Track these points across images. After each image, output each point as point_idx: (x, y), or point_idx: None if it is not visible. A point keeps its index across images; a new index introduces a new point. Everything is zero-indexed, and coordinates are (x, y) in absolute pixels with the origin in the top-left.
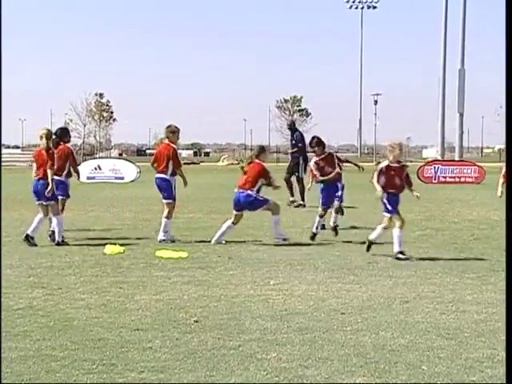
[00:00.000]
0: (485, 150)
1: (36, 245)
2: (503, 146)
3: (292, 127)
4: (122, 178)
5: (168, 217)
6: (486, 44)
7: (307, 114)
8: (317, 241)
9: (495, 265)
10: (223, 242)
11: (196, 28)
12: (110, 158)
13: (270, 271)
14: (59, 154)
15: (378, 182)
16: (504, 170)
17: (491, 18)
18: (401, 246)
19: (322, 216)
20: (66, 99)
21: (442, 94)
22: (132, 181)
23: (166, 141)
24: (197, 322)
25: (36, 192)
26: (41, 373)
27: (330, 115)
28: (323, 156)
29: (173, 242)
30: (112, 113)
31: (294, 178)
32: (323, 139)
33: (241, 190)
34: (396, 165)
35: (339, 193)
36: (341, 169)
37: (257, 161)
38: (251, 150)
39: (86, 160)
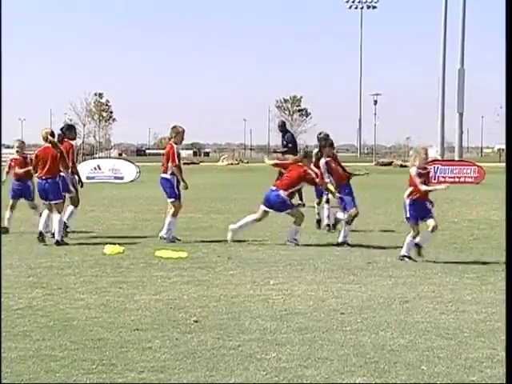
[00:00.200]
0: (484, 150)
1: (67, 243)
2: (503, 146)
3: (282, 128)
4: (122, 178)
5: (173, 215)
6: (485, 44)
7: (307, 114)
8: (316, 241)
9: (495, 265)
10: (229, 239)
11: (196, 28)
12: (110, 157)
13: (269, 271)
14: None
15: (420, 183)
16: None
17: (491, 18)
18: (407, 250)
19: (319, 204)
20: (65, 99)
21: (442, 94)
22: (132, 181)
23: (171, 141)
24: (196, 321)
25: (42, 191)
26: (40, 373)
27: (330, 115)
28: (333, 157)
29: (172, 242)
30: (111, 113)
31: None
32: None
33: (273, 189)
34: (422, 171)
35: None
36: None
37: (301, 164)
38: (251, 149)
39: (85, 160)
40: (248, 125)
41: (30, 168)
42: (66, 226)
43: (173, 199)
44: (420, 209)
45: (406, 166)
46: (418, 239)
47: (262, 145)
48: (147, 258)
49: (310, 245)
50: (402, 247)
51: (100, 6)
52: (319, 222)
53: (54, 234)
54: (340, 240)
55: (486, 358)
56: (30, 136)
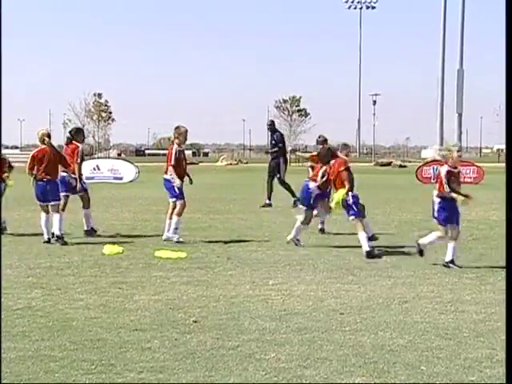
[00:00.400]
0: (483, 150)
1: (66, 243)
2: (502, 146)
3: (271, 127)
4: (121, 179)
5: (177, 214)
6: (484, 45)
7: (306, 114)
8: (315, 241)
9: (494, 265)
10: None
11: (195, 28)
12: (109, 158)
13: (268, 271)
14: (68, 152)
15: (451, 186)
16: None
17: (490, 19)
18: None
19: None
20: (64, 99)
21: (441, 95)
22: (131, 181)
23: (175, 142)
24: (196, 322)
25: (42, 192)
26: (40, 373)
27: (329, 115)
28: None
29: (179, 242)
30: (110, 113)
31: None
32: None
33: (306, 179)
34: (454, 170)
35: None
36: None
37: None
38: (250, 150)
39: (84, 160)
40: (247, 125)
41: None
42: (94, 230)
43: (174, 199)
44: (449, 209)
45: (405, 167)
46: (425, 240)
47: (261, 145)
48: (146, 258)
49: (309, 245)
50: (401, 247)
51: (99, 5)
52: (323, 230)
53: (53, 234)
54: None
55: (485, 358)
56: (29, 136)
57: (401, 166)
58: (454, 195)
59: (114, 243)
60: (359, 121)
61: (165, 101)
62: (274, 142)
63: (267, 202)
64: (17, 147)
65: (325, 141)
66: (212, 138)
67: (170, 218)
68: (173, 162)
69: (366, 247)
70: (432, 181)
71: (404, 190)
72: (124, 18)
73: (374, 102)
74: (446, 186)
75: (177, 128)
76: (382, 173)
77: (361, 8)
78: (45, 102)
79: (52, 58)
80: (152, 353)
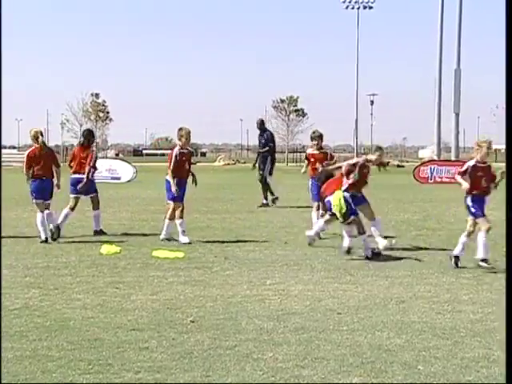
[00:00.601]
0: None
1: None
2: (499, 146)
3: (261, 126)
4: (119, 179)
5: (179, 217)
6: (481, 45)
7: (303, 114)
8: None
9: (491, 265)
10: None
11: (194, 28)
12: (107, 158)
13: (266, 271)
14: (80, 154)
15: (459, 175)
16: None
17: (487, 19)
18: (486, 252)
19: (323, 215)
20: (62, 99)
21: (438, 95)
22: (128, 181)
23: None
24: (193, 322)
25: (40, 190)
26: (37, 373)
27: (326, 115)
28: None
29: (168, 240)
30: (108, 113)
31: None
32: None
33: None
34: (483, 165)
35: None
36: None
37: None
38: (248, 150)
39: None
40: (245, 125)
41: None
42: (103, 232)
43: (170, 201)
44: (480, 204)
45: (402, 166)
46: (457, 250)
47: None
48: (144, 258)
49: (307, 245)
50: (398, 247)
51: (97, 6)
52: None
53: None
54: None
55: (482, 358)
56: (27, 136)
57: (398, 166)
58: (460, 181)
59: (111, 243)
60: (357, 121)
61: (162, 101)
62: (264, 141)
63: (264, 201)
64: (14, 147)
65: (319, 136)
66: (210, 138)
67: (169, 219)
68: (171, 167)
69: (346, 243)
70: (429, 181)
71: (401, 190)
72: (121, 18)
73: (372, 102)
74: (457, 177)
75: (179, 129)
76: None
77: (358, 8)
78: (43, 101)
79: (50, 58)
80: (149, 352)
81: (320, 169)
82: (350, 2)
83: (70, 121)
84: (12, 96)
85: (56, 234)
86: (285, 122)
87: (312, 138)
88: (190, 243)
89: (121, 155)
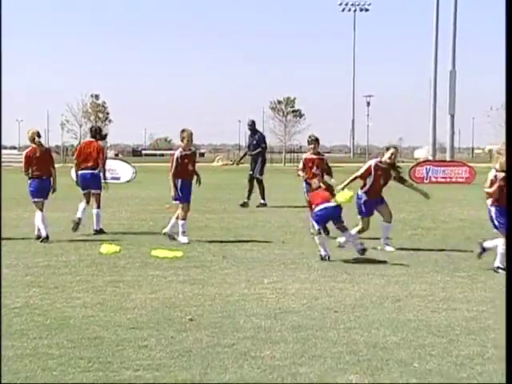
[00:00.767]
0: (475, 151)
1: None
2: (493, 147)
3: (252, 128)
4: (118, 179)
5: (181, 218)
6: (476, 46)
7: (300, 115)
8: (310, 241)
9: (485, 264)
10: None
11: (193, 30)
12: (106, 158)
13: (264, 270)
14: (88, 150)
15: (496, 194)
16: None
17: (482, 21)
18: (503, 261)
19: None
20: (62, 100)
21: (434, 96)
22: (128, 181)
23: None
24: (192, 320)
25: (39, 190)
26: (37, 371)
27: (324, 116)
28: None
29: (169, 236)
30: (108, 114)
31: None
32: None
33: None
34: (503, 174)
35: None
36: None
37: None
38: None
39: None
40: (243, 126)
41: None
42: (102, 231)
43: (176, 202)
44: (503, 213)
45: (398, 167)
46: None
47: None
48: (143, 257)
49: (304, 244)
50: (394, 246)
51: (96, 7)
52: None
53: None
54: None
55: (476, 355)
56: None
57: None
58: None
59: (110, 242)
60: (353, 122)
61: (161, 102)
62: (255, 142)
63: (262, 202)
64: (15, 147)
65: (316, 140)
66: (208, 139)
67: (176, 218)
68: (173, 169)
69: (341, 239)
70: (425, 181)
71: (397, 190)
72: (121, 19)
73: (368, 104)
74: (488, 189)
75: (182, 131)
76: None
77: (355, 11)
78: (43, 102)
79: (50, 58)
80: (148, 351)
81: (316, 173)
82: (346, 5)
83: (69, 121)
84: (12, 97)
85: (75, 228)
86: (282, 122)
87: (309, 143)
88: (188, 243)
89: (120, 155)
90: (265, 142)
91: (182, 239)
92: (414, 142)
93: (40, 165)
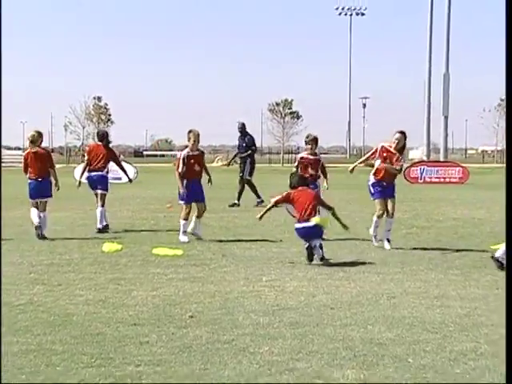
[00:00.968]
0: (468, 152)
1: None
2: (486, 148)
3: (242, 130)
4: (120, 179)
5: (183, 218)
6: (470, 49)
7: (298, 117)
8: None
9: (478, 262)
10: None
11: (193, 32)
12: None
13: (262, 268)
14: (98, 152)
15: None
16: None
17: (476, 24)
18: None
19: None
20: (65, 102)
21: (428, 98)
22: (130, 181)
23: None
24: (192, 317)
25: (36, 190)
26: (41, 366)
27: (321, 117)
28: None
29: (192, 235)
30: (110, 115)
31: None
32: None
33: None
34: None
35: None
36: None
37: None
38: None
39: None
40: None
41: None
42: (107, 226)
43: (180, 202)
44: None
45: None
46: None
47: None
48: (144, 255)
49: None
50: (391, 245)
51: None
52: None
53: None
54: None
55: (469, 351)
56: None
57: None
58: None
59: (112, 241)
60: (349, 123)
61: (162, 103)
62: (245, 144)
63: (258, 200)
64: (19, 148)
65: (313, 140)
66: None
67: (197, 217)
68: (179, 169)
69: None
70: (419, 181)
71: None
72: (121, 20)
73: (364, 105)
74: None
75: (189, 132)
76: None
77: (351, 15)
78: (47, 104)
79: (54, 61)
80: (150, 346)
81: (311, 173)
82: (342, 9)
83: (73, 123)
84: (17, 99)
85: (105, 229)
86: (280, 124)
87: (306, 142)
88: (188, 242)
89: (122, 156)
90: (254, 145)
91: (182, 238)
92: (408, 142)
93: (37, 166)
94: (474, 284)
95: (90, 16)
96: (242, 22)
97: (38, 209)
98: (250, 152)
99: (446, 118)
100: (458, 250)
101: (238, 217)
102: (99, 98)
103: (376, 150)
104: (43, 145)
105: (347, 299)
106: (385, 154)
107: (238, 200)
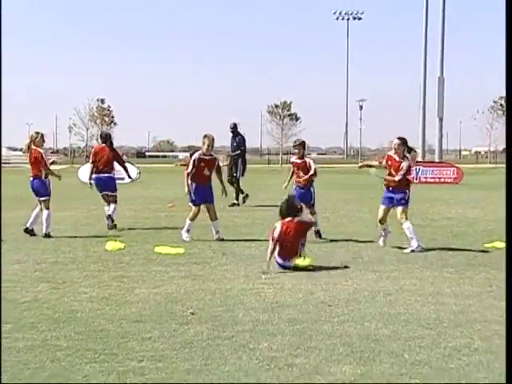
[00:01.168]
0: (462, 153)
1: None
2: (479, 149)
3: (234, 130)
4: (123, 179)
5: (190, 218)
6: (463, 52)
7: (296, 119)
8: None
9: (472, 260)
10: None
11: (194, 34)
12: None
13: (261, 266)
14: (104, 154)
15: None
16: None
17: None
18: None
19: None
20: (70, 104)
21: (423, 100)
22: (132, 181)
23: None
24: (193, 314)
25: (33, 190)
26: (46, 361)
27: (318, 119)
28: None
29: (222, 240)
30: (113, 117)
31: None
32: (309, 142)
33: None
34: None
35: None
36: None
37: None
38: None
39: (88, 162)
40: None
41: None
42: (112, 221)
43: (190, 203)
44: None
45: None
46: None
47: (255, 147)
48: (147, 253)
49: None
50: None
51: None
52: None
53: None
54: None
55: (463, 347)
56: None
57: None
58: None
59: (116, 239)
60: (347, 124)
61: (164, 105)
62: (235, 144)
63: (235, 201)
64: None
65: (301, 144)
66: None
67: (212, 220)
68: (188, 169)
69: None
70: (415, 181)
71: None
72: (123, 23)
73: (361, 107)
74: None
75: (204, 136)
76: (367, 173)
77: (348, 19)
78: (52, 106)
79: (59, 63)
80: (152, 343)
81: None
82: (340, 14)
83: (77, 125)
84: (22, 101)
85: (113, 227)
86: (279, 125)
87: (294, 147)
88: (190, 241)
89: (125, 157)
90: (244, 145)
91: (184, 236)
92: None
93: (36, 166)
94: (468, 282)
95: (94, 18)
96: (242, 27)
97: (48, 209)
98: (239, 152)
99: (441, 119)
100: (452, 249)
101: (238, 216)
102: (102, 101)
103: (383, 157)
104: (46, 146)
105: (344, 296)
106: (389, 163)
107: (237, 199)
